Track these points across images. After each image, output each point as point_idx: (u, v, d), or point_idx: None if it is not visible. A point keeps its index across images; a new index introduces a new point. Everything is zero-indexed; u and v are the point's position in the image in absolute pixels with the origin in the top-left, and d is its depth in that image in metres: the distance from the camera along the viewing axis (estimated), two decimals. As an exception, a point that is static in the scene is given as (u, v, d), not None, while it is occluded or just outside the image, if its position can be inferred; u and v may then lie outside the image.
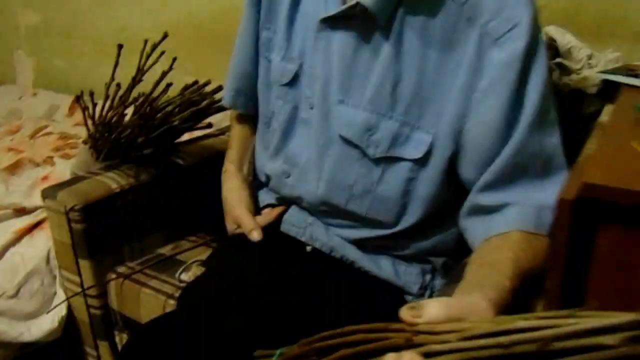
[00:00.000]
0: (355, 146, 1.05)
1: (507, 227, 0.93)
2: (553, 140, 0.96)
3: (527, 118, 0.94)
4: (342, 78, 1.06)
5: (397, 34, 1.00)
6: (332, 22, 1.05)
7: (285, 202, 1.22)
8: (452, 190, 1.04)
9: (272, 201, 1.25)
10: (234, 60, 1.28)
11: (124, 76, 1.41)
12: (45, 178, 1.96)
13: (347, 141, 1.06)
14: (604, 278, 0.76)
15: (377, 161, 1.05)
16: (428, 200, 1.05)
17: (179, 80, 1.49)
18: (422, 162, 1.02)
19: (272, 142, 1.20)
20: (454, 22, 0.97)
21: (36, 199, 1.78)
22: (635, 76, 1.17)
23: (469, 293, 0.78)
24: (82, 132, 1.41)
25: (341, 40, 1.05)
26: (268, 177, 1.24)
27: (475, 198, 0.99)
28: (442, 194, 1.04)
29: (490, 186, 0.96)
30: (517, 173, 0.95)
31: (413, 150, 1.02)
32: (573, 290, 0.77)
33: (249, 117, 1.32)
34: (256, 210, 1.26)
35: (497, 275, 0.83)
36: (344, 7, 1.02)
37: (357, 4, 0.99)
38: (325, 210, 1.14)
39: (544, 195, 0.92)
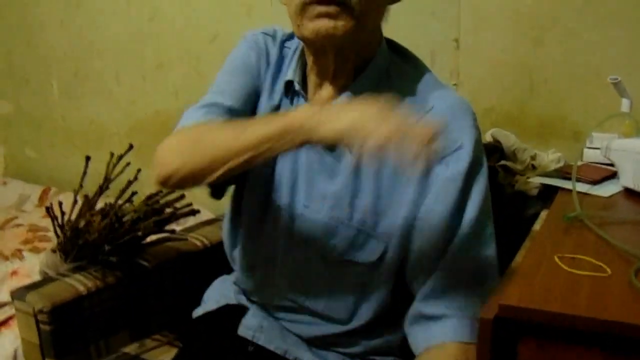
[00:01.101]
0: (316, 249, 1.13)
1: (445, 338, 1.01)
2: (488, 252, 1.04)
3: (463, 231, 1.02)
4: (307, 186, 1.14)
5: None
6: None
7: (247, 301, 1.28)
8: (402, 293, 1.11)
9: (233, 301, 1.31)
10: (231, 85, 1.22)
11: (93, 169, 1.46)
12: (14, 273, 1.99)
13: (308, 244, 1.13)
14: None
15: (335, 264, 1.12)
16: (379, 300, 1.12)
17: (145, 175, 1.53)
18: (375, 266, 1.10)
19: (240, 237, 1.26)
20: None
21: (4, 295, 1.81)
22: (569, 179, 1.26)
23: None
24: (51, 225, 1.46)
25: (308, 151, 1.13)
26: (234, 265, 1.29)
27: (418, 306, 1.06)
28: (392, 296, 1.12)
29: (430, 296, 1.04)
30: (453, 283, 1.02)
31: (367, 255, 1.10)
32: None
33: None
34: (215, 313, 1.31)
35: None
36: None
37: None
38: (285, 306, 1.20)
39: (478, 305, 0.99)
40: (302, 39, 1.08)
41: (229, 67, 1.23)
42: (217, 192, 1.29)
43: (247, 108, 1.19)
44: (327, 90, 1.13)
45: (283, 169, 1.17)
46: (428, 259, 1.04)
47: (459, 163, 1.03)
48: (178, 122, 1.16)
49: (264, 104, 1.20)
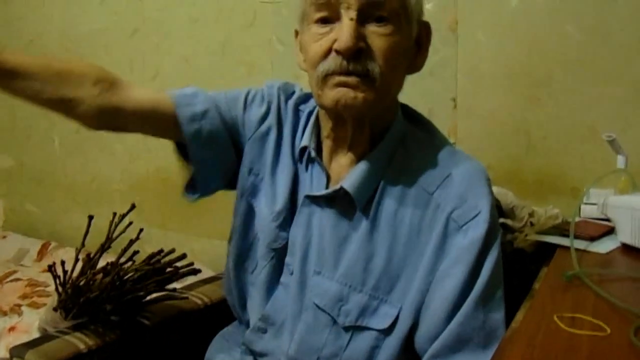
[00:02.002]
0: (327, 314, 1.12)
1: None
2: (497, 316, 1.03)
3: (475, 294, 1.02)
4: (320, 251, 1.14)
5: (372, 216, 1.10)
6: (315, 200, 1.15)
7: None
8: (409, 357, 1.10)
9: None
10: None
11: (94, 226, 1.47)
12: (12, 329, 1.98)
13: (319, 309, 1.13)
14: None
15: (346, 329, 1.11)
16: None
17: (147, 233, 1.55)
18: (387, 332, 1.09)
19: (252, 302, 1.26)
20: (424, 209, 1.08)
21: (2, 351, 1.80)
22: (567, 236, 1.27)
23: None
24: (50, 279, 1.47)
25: (322, 216, 1.15)
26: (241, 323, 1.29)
27: None
28: (400, 359, 1.11)
29: (437, 356, 1.03)
30: (461, 344, 1.01)
31: (380, 321, 1.09)
32: None
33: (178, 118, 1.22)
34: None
35: None
36: (330, 190, 1.13)
37: (341, 188, 1.10)
38: None
39: None
40: (322, 107, 1.10)
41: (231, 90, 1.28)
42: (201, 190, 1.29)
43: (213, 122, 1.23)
44: (343, 157, 1.15)
45: (296, 234, 1.18)
46: (438, 322, 1.04)
47: (477, 230, 1.04)
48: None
49: (283, 165, 1.22)
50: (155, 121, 1.22)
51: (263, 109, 1.25)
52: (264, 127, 1.25)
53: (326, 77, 1.03)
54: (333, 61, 1.02)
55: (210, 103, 1.24)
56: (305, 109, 1.26)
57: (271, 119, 1.24)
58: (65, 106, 1.16)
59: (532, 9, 1.68)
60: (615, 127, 1.40)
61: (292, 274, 1.18)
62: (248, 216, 1.27)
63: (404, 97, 1.22)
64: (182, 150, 1.27)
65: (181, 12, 2.40)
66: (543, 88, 1.68)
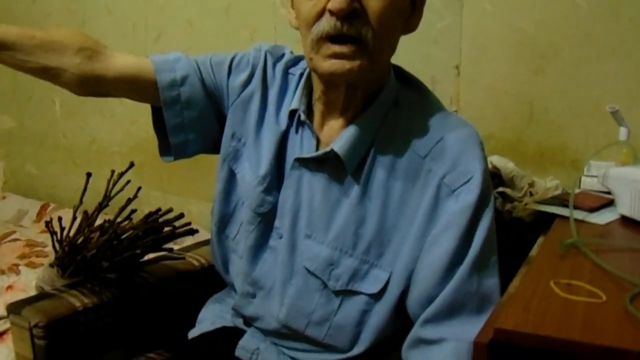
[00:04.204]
0: (317, 278, 1.12)
1: None
2: (491, 282, 1.03)
3: (469, 259, 1.02)
4: (310, 215, 1.14)
5: (364, 180, 1.10)
6: (305, 163, 1.15)
7: (243, 324, 1.28)
8: (401, 322, 1.11)
9: (229, 323, 1.31)
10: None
11: (93, 187, 1.47)
12: (10, 287, 1.99)
13: (310, 273, 1.13)
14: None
15: (337, 293, 1.11)
16: (379, 329, 1.11)
17: (146, 195, 1.55)
18: (377, 296, 1.09)
19: (238, 265, 1.26)
20: (415, 173, 1.08)
21: (0, 309, 1.81)
22: (567, 206, 1.26)
23: None
24: (49, 240, 1.47)
25: (312, 179, 1.14)
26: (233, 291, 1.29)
27: (417, 331, 1.05)
28: (392, 325, 1.11)
29: (431, 320, 1.03)
30: (455, 309, 1.02)
31: (370, 285, 1.09)
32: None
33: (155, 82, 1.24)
34: (212, 334, 1.30)
35: None
36: (320, 152, 1.12)
37: (331, 150, 1.09)
38: (284, 334, 1.19)
39: (478, 331, 0.99)
40: (315, 71, 1.09)
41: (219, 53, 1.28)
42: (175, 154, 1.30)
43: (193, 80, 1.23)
44: (335, 121, 1.14)
45: (285, 197, 1.18)
46: (430, 286, 1.04)
47: (469, 195, 1.03)
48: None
49: (268, 129, 1.21)
50: (137, 87, 1.23)
51: (246, 73, 1.25)
52: (247, 92, 1.24)
53: (319, 41, 1.02)
54: (327, 22, 1.00)
55: (191, 69, 1.24)
56: (296, 71, 1.24)
57: (255, 83, 1.24)
58: (49, 75, 1.19)
59: (540, -22, 1.66)
60: (620, 103, 1.38)
61: (281, 237, 1.18)
62: (230, 182, 1.27)
63: (406, 63, 1.21)
64: (160, 114, 1.26)
65: (185, -25, 2.37)
66: (548, 60, 1.66)
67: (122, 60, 1.22)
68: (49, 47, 1.17)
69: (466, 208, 1.03)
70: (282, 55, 1.26)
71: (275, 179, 1.20)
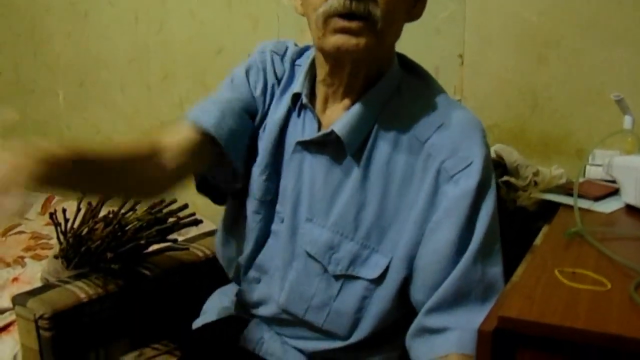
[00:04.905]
0: (318, 262, 1.13)
1: (447, 350, 1.00)
2: (495, 270, 1.04)
3: (473, 247, 1.02)
4: (311, 198, 1.14)
5: (364, 164, 1.10)
6: (306, 146, 1.15)
7: (247, 314, 1.28)
8: (403, 310, 1.11)
9: (233, 313, 1.31)
10: (221, 97, 1.24)
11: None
12: (15, 279, 1.99)
13: (310, 257, 1.13)
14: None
15: (337, 278, 1.12)
16: (379, 316, 1.11)
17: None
18: (377, 282, 1.09)
19: (245, 252, 1.26)
20: (415, 157, 1.08)
21: (5, 301, 1.81)
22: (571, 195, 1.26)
23: None
24: (54, 232, 1.48)
25: (313, 163, 1.14)
26: (237, 276, 1.30)
27: (421, 320, 1.05)
28: (393, 312, 1.11)
29: (435, 309, 1.03)
30: (459, 298, 1.02)
31: (370, 270, 1.10)
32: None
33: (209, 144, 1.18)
34: (216, 324, 1.31)
35: None
36: (320, 133, 1.12)
37: (332, 132, 1.09)
38: (284, 319, 1.20)
39: (482, 319, 0.99)
40: (322, 51, 1.08)
41: (226, 80, 1.26)
42: (218, 197, 1.30)
43: (230, 122, 1.18)
44: (337, 104, 1.14)
45: (287, 181, 1.18)
46: (434, 274, 1.04)
47: (469, 180, 1.03)
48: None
49: (270, 117, 1.21)
50: (199, 156, 1.17)
51: (261, 81, 1.24)
52: (268, 96, 1.24)
53: (327, 19, 1.01)
54: (336, 0, 0.99)
55: (226, 105, 1.20)
56: (302, 62, 1.24)
57: (270, 85, 1.23)
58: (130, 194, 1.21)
59: (544, -33, 1.65)
60: (624, 91, 1.38)
61: (282, 221, 1.18)
62: (245, 178, 1.26)
63: (410, 53, 1.21)
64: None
65: (187, -35, 2.37)
66: (552, 48, 1.65)
67: (175, 145, 1.13)
68: (130, 172, 1.08)
69: (467, 193, 1.03)
70: (286, 49, 1.26)
71: (274, 166, 1.20)
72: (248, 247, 1.25)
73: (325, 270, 1.12)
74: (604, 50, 1.59)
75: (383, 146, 1.10)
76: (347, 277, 1.11)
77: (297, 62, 1.25)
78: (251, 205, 1.24)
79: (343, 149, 1.10)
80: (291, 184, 1.17)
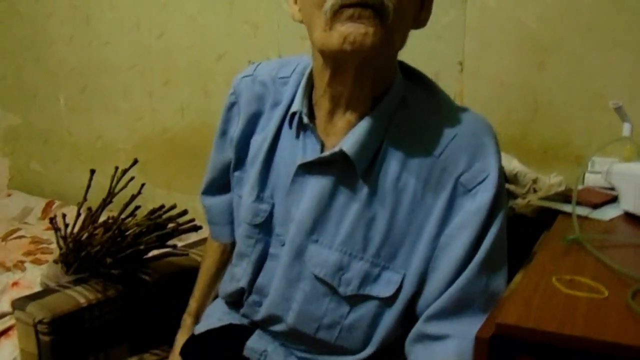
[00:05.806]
0: (327, 284, 1.09)
1: (447, 358, 0.99)
2: (499, 281, 1.02)
3: (479, 257, 1.00)
4: (317, 219, 1.09)
5: (374, 181, 1.06)
6: (309, 168, 1.10)
7: (252, 324, 1.26)
8: (413, 322, 1.09)
9: (237, 321, 1.29)
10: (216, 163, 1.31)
11: (97, 184, 1.48)
12: (15, 284, 2.00)
13: (319, 279, 1.09)
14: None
15: (347, 298, 1.08)
16: (392, 330, 1.08)
17: (150, 192, 1.56)
18: (390, 299, 1.06)
19: (242, 278, 1.22)
20: (429, 172, 1.04)
21: (5, 305, 1.81)
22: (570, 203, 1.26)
23: None
24: (54, 237, 1.48)
25: (317, 184, 1.09)
26: (236, 302, 1.28)
27: (421, 326, 1.03)
28: (405, 325, 1.08)
29: (437, 316, 1.02)
30: (461, 307, 1.00)
31: (382, 289, 1.06)
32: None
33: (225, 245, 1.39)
34: (218, 330, 1.30)
35: None
36: (327, 153, 1.07)
37: (340, 150, 1.04)
38: (294, 336, 1.16)
39: None
40: (324, 52, 1.01)
41: (217, 133, 1.29)
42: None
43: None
44: (341, 120, 1.09)
45: (287, 203, 1.14)
46: (441, 285, 1.02)
47: (485, 194, 1.01)
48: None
49: (254, 139, 1.20)
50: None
51: (236, 117, 1.23)
52: (251, 125, 1.22)
53: (337, 12, 0.94)
54: None
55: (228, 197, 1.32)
56: (288, 72, 1.19)
57: (244, 114, 1.21)
58: None
59: (543, -27, 1.65)
60: (623, 96, 1.38)
61: (283, 245, 1.14)
62: (237, 207, 1.25)
63: (409, 59, 1.20)
64: None
65: (188, -29, 2.38)
66: (551, 54, 1.66)
67: (219, 262, 1.41)
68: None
69: (482, 207, 1.01)
70: (257, 67, 1.23)
71: (265, 186, 1.17)
72: (246, 275, 1.21)
73: (336, 292, 1.09)
74: (603, 55, 1.59)
75: (393, 162, 1.06)
76: (358, 297, 1.08)
77: (281, 73, 1.19)
78: (242, 230, 1.21)
79: (351, 168, 1.06)
80: (293, 207, 1.13)
